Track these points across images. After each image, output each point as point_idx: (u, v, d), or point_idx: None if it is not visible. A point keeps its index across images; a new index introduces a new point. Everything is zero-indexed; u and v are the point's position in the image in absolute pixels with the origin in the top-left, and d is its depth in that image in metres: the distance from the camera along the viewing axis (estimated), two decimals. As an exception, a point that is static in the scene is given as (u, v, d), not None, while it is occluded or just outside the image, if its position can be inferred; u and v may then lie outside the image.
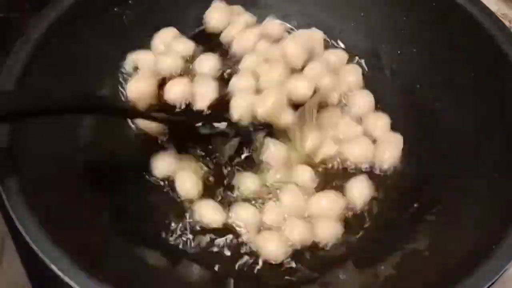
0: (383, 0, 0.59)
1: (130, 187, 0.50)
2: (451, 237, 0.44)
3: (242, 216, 0.48)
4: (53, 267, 0.36)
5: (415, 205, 0.50)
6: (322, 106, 0.53)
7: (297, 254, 0.47)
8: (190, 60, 0.57)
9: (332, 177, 0.52)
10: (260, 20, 0.60)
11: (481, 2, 0.53)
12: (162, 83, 0.55)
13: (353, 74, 0.57)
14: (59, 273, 0.36)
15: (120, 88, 0.56)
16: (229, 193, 0.50)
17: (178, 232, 0.48)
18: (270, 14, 0.62)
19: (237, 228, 0.48)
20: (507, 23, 0.64)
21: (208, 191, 0.50)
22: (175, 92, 0.53)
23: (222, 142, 0.51)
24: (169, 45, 0.57)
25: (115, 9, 0.55)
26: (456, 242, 0.43)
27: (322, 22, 0.62)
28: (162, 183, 0.51)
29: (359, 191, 0.50)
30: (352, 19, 0.61)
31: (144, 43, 0.58)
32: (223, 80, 0.55)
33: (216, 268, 0.46)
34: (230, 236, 0.48)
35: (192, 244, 0.47)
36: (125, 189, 0.50)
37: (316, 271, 0.46)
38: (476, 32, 0.51)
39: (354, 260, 0.47)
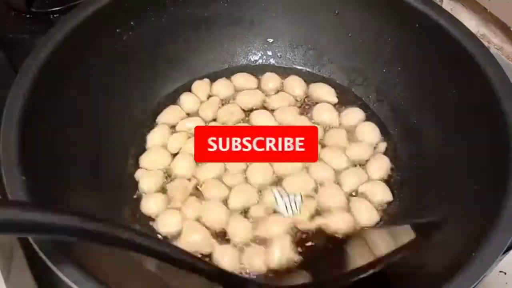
0: (368, 21, 0.61)
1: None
2: (431, 246, 0.46)
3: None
4: (62, 276, 0.37)
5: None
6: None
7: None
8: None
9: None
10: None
11: (463, 24, 0.55)
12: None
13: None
14: (69, 282, 0.36)
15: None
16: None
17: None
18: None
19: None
20: (486, 44, 0.66)
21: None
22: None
23: None
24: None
25: (117, 30, 0.57)
26: (437, 250, 0.45)
27: (311, 42, 0.66)
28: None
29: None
30: (339, 39, 0.64)
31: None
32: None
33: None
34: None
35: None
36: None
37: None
38: (457, 51, 0.53)
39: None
